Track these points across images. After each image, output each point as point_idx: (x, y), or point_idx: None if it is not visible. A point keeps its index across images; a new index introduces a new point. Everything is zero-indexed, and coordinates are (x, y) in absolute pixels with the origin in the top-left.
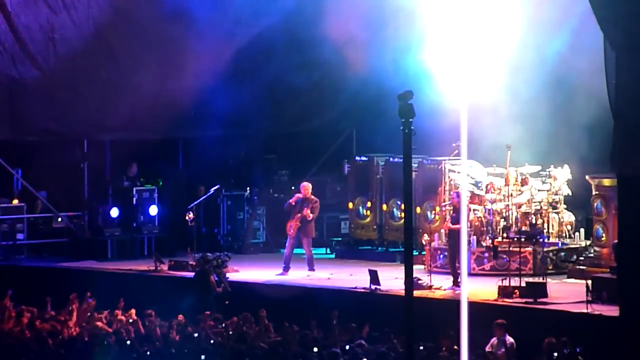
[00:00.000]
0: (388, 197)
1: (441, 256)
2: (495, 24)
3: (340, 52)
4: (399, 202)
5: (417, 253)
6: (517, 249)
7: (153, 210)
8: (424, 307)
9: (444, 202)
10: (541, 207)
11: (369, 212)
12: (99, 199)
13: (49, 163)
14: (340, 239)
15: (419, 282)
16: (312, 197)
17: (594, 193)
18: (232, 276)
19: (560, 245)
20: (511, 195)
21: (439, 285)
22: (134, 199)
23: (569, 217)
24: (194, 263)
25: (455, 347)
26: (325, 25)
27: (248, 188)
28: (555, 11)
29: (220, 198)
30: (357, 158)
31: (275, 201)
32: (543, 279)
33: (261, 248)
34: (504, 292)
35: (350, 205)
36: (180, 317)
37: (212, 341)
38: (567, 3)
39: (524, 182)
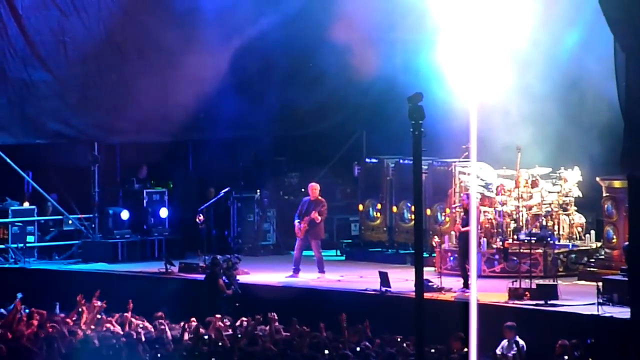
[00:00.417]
0: (398, 199)
1: (451, 258)
2: (505, 24)
3: (350, 54)
4: (409, 204)
5: (427, 255)
6: (528, 251)
7: (163, 212)
8: (434, 309)
9: (454, 204)
10: (551, 209)
11: (379, 214)
12: (109, 202)
13: (59, 166)
14: (350, 240)
15: (430, 284)
16: (320, 198)
17: (604, 195)
18: (242, 278)
19: (570, 247)
20: (521, 197)
21: (450, 287)
22: (145, 202)
23: (579, 218)
24: (204, 265)
25: (466, 349)
26: (334, 26)
27: (258, 190)
28: (567, 11)
29: (230, 200)
30: (367, 160)
31: (286, 203)
32: (554, 281)
33: (271, 250)
34: (514, 294)
35: (361, 207)
36: (193, 320)
37: (220, 343)
38: (579, 2)
39: (534, 184)
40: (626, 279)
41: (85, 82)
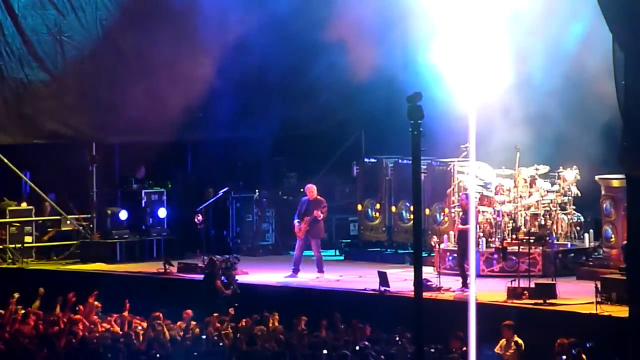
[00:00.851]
0: (397, 199)
1: (450, 258)
2: (503, 23)
3: (349, 53)
4: (408, 204)
5: (426, 255)
6: (526, 251)
7: (162, 212)
8: (433, 309)
9: (453, 203)
10: (550, 209)
11: (378, 213)
12: (107, 202)
13: (57, 166)
14: (349, 240)
15: (428, 283)
16: (320, 197)
17: (603, 194)
18: (241, 278)
19: (569, 246)
20: (520, 196)
21: (448, 287)
22: (143, 202)
23: (578, 218)
24: (203, 265)
25: (465, 348)
26: (334, 26)
27: (257, 190)
28: (566, 10)
29: (229, 200)
30: (366, 160)
31: (284, 203)
32: (552, 280)
33: (270, 250)
34: (513, 293)
35: (359, 207)
36: (192, 322)
37: (221, 344)
38: (578, 0)
39: (532, 184)
40: (624, 277)
41: (83, 82)
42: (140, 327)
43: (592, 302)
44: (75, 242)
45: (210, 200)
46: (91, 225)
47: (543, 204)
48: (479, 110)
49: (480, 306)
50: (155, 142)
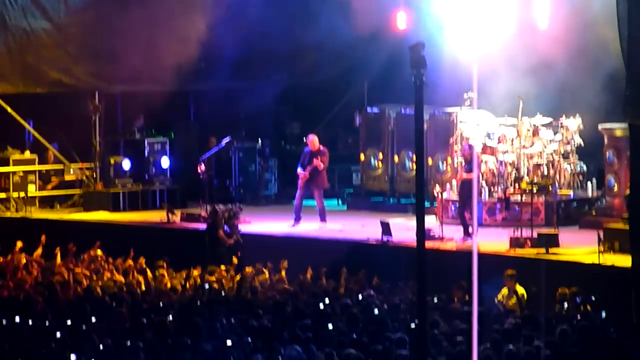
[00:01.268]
0: (399, 149)
1: (452, 207)
2: None
3: (351, 3)
4: (410, 154)
5: (428, 204)
6: (529, 200)
7: (165, 162)
8: (435, 259)
9: (456, 153)
10: (553, 158)
11: (380, 163)
12: (110, 151)
13: (60, 115)
14: (351, 190)
15: (431, 233)
16: (321, 147)
17: (606, 143)
18: (243, 228)
19: (572, 195)
20: (523, 146)
21: (451, 236)
22: (146, 151)
23: (580, 167)
24: (206, 215)
25: (467, 297)
26: None
27: (260, 140)
28: None
29: (232, 150)
30: (369, 109)
31: (287, 153)
32: (555, 230)
33: (273, 200)
34: (515, 242)
35: (362, 156)
36: (197, 269)
37: (223, 293)
38: None
39: (535, 133)
40: (627, 227)
41: (85, 31)
42: (143, 277)
43: (595, 252)
44: (78, 191)
45: (213, 150)
46: (94, 175)
47: (546, 153)
48: (482, 60)
49: (483, 256)
50: (157, 92)
